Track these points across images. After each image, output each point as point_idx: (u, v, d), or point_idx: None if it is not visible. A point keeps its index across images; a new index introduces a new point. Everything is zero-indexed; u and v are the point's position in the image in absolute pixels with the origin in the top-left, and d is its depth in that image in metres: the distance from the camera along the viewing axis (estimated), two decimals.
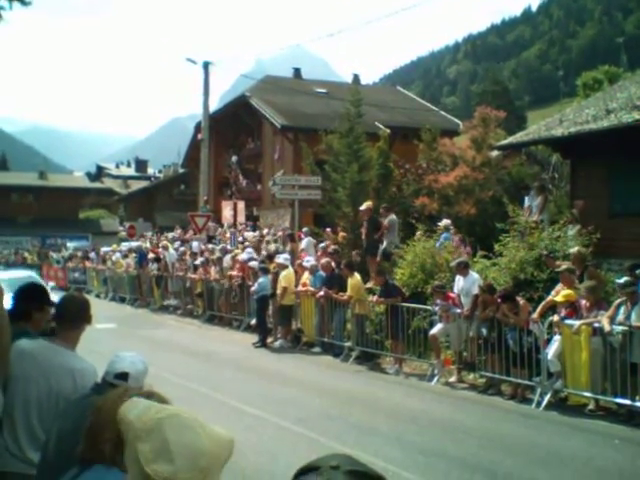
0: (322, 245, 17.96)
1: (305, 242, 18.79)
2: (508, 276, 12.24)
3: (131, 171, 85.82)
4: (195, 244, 23.15)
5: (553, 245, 12.55)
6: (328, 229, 20.69)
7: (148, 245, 27.48)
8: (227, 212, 27.56)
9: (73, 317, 3.95)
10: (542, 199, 15.18)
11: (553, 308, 10.43)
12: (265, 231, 24.88)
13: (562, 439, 8.38)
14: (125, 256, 26.20)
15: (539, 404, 9.87)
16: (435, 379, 11.66)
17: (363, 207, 16.77)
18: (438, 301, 12.06)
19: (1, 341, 3.46)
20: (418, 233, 15.39)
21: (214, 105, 42.84)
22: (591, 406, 9.59)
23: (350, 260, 15.02)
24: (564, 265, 11.01)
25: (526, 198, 15.76)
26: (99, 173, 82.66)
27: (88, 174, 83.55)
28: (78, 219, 58.97)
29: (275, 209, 30.16)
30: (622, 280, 9.95)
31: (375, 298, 13.40)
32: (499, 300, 10.81)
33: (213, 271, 19.31)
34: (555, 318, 10.06)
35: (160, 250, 23.66)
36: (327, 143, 22.12)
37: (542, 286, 11.70)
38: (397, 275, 14.20)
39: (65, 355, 3.81)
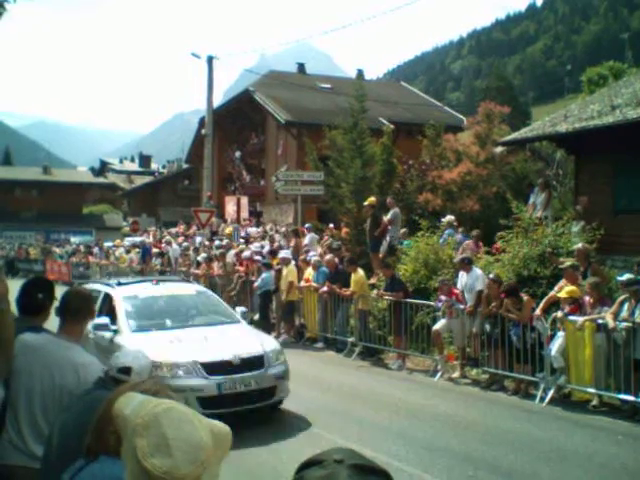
0: (323, 241, 17.99)
1: (308, 238, 18.79)
2: (511, 272, 12.22)
3: (135, 166, 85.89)
4: (199, 239, 23.18)
5: (557, 241, 12.53)
6: (331, 225, 20.69)
7: (151, 240, 27.50)
8: (230, 207, 27.56)
9: (77, 311, 3.96)
10: (546, 195, 15.16)
11: (557, 304, 10.42)
12: (268, 227, 24.89)
13: (565, 435, 8.38)
14: (128, 251, 26.23)
15: (542, 400, 9.87)
16: (438, 375, 11.66)
17: (366, 203, 16.77)
18: (442, 297, 12.05)
19: (5, 335, 3.46)
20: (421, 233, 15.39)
21: (218, 100, 42.91)
22: (594, 402, 9.59)
23: (352, 256, 15.01)
24: (568, 261, 10.99)
25: (531, 195, 15.73)
26: (103, 168, 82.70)
27: (92, 169, 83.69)
28: (82, 214, 59.16)
29: (278, 205, 30.17)
30: (624, 277, 9.93)
31: (380, 292, 13.40)
32: (503, 295, 10.80)
33: (216, 266, 19.31)
34: (559, 314, 10.05)
35: (163, 245, 23.67)
36: (331, 138, 22.10)
37: (545, 282, 11.68)
38: (400, 271, 14.20)
39: (69, 349, 3.81)
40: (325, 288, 14.49)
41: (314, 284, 15.01)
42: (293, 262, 15.96)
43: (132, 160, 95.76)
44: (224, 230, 25.14)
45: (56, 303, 4.05)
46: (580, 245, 11.55)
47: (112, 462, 2.20)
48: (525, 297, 10.79)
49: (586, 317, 9.69)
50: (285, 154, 30.89)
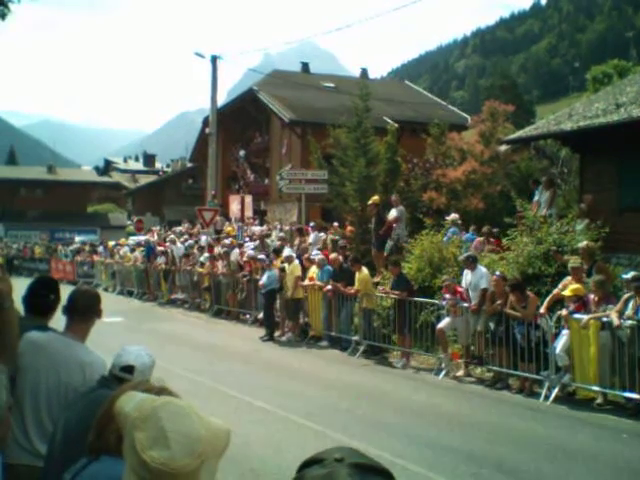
0: (325, 237, 18.01)
1: (313, 236, 18.79)
2: (516, 270, 12.21)
3: (139, 165, 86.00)
4: (203, 238, 23.20)
5: (561, 239, 12.51)
6: (335, 223, 20.70)
7: (156, 239, 27.53)
8: (235, 206, 27.59)
9: (84, 310, 3.97)
10: (551, 193, 15.13)
11: (561, 302, 10.41)
12: (272, 225, 24.89)
13: (570, 433, 8.37)
14: (133, 250, 26.26)
15: (547, 398, 9.86)
16: (442, 373, 11.65)
17: (370, 202, 16.76)
18: (446, 295, 12.05)
19: (10, 334, 3.47)
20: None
21: (222, 99, 42.96)
22: (599, 400, 9.57)
23: (356, 256, 15.00)
24: (573, 260, 10.98)
25: (535, 192, 15.71)
26: (107, 167, 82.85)
27: (96, 168, 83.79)
28: (86, 213, 59.26)
29: (282, 203, 30.17)
30: (629, 275, 9.91)
31: (385, 289, 13.39)
32: (509, 290, 10.79)
33: (220, 265, 19.33)
34: (563, 312, 10.04)
35: (167, 244, 23.70)
36: (335, 137, 22.11)
37: (550, 280, 11.67)
38: (405, 269, 14.19)
39: (75, 347, 3.82)
40: (329, 287, 14.49)
41: (318, 282, 15.01)
42: (297, 260, 15.96)
43: (136, 159, 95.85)
44: (227, 227, 25.17)
45: (63, 302, 4.06)
46: (585, 243, 11.53)
47: (113, 462, 2.20)
48: (530, 295, 10.78)
49: (591, 315, 9.68)
50: (289, 153, 30.90)
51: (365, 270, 14.02)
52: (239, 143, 38.34)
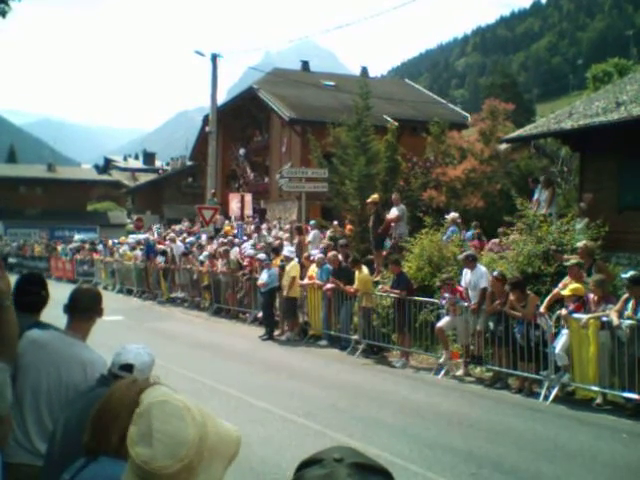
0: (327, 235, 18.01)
1: (312, 235, 18.79)
2: (516, 269, 12.20)
3: (139, 164, 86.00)
4: (204, 237, 23.20)
5: (561, 239, 12.51)
6: (335, 222, 20.70)
7: (156, 237, 27.52)
8: (234, 205, 27.59)
9: (85, 309, 3.97)
10: (550, 193, 15.12)
11: (561, 302, 10.40)
12: (271, 224, 24.88)
13: (569, 433, 8.36)
14: (133, 248, 26.25)
15: (546, 398, 9.85)
16: (442, 372, 11.65)
17: (369, 200, 16.75)
18: (445, 294, 12.04)
19: (9, 333, 3.46)
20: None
21: (222, 98, 42.91)
22: (598, 400, 9.57)
23: (356, 256, 14.98)
24: (573, 260, 10.97)
25: (535, 191, 15.70)
26: (107, 165, 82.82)
27: (96, 166, 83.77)
28: (86, 211, 59.23)
29: (282, 202, 30.18)
30: (628, 274, 9.90)
31: (384, 287, 13.37)
32: (509, 288, 10.78)
33: (220, 264, 19.32)
34: (563, 312, 10.03)
35: (167, 242, 23.69)
36: (335, 136, 22.12)
37: (550, 280, 11.67)
38: (404, 268, 14.18)
39: (76, 346, 3.82)
40: (329, 285, 14.47)
41: (318, 281, 15.00)
42: (296, 259, 15.95)
43: (136, 158, 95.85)
44: (224, 227, 25.16)
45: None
46: (583, 242, 11.52)
47: (112, 463, 2.19)
48: (530, 294, 10.77)
49: (590, 315, 9.67)
50: (289, 151, 30.90)
51: (365, 270, 14.01)
52: (239, 141, 38.35)
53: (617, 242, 13.01)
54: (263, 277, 15.87)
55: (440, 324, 11.82)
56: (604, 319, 9.53)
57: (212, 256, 19.84)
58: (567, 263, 10.96)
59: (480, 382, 11.25)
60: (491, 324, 11.07)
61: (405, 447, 7.70)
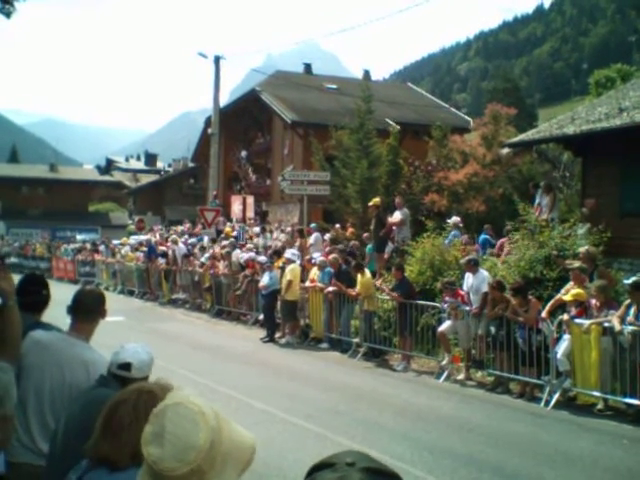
0: (327, 236, 18.04)
1: (313, 238, 18.79)
2: (517, 274, 12.20)
3: (141, 165, 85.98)
4: (206, 238, 23.22)
5: (563, 244, 12.50)
6: (337, 225, 20.70)
7: (157, 238, 27.53)
8: (236, 207, 27.63)
9: (88, 310, 3.98)
10: (550, 198, 15.12)
11: (563, 307, 10.40)
12: (273, 226, 24.88)
13: (570, 438, 8.36)
14: (135, 249, 26.26)
15: (548, 403, 9.85)
16: (443, 376, 11.64)
17: (370, 203, 16.76)
18: (447, 298, 12.04)
19: (12, 333, 3.47)
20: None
21: (224, 100, 42.95)
22: (600, 406, 9.56)
23: (359, 261, 14.98)
24: (576, 263, 10.97)
25: (536, 195, 15.70)
26: (109, 166, 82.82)
27: (98, 167, 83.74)
28: (88, 212, 59.28)
29: (284, 204, 30.18)
30: (630, 280, 9.90)
31: (383, 287, 13.36)
32: (511, 293, 10.79)
33: (221, 266, 19.33)
34: (565, 317, 10.03)
35: (169, 244, 23.69)
36: (337, 139, 22.13)
37: (552, 285, 11.67)
38: (406, 272, 14.18)
39: (79, 347, 3.83)
40: (331, 288, 14.47)
41: (319, 284, 15.00)
42: (298, 262, 15.96)
43: (138, 158, 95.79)
44: (227, 228, 25.17)
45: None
46: (585, 248, 11.52)
47: (121, 472, 2.19)
48: (532, 299, 10.77)
49: (592, 320, 9.67)
50: (291, 154, 30.90)
51: (368, 273, 14.01)
52: (241, 143, 38.36)
53: (619, 248, 13.01)
54: (264, 279, 15.88)
55: (442, 328, 11.82)
56: (606, 325, 9.53)
57: (213, 258, 19.85)
58: (569, 267, 10.97)
59: (481, 386, 11.24)
60: (493, 328, 11.07)
61: (406, 451, 7.69)
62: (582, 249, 11.53)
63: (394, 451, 7.53)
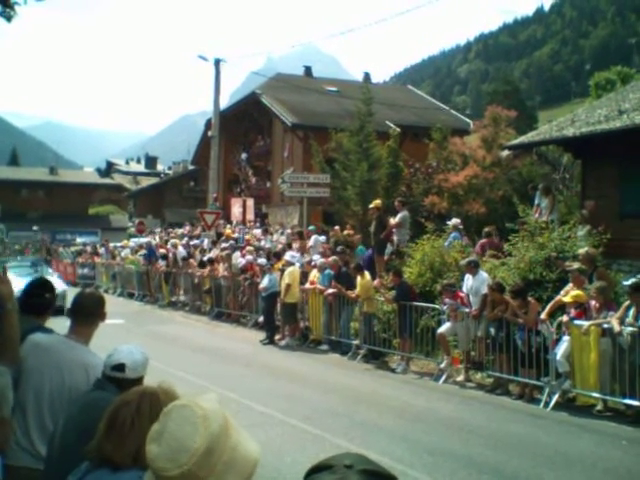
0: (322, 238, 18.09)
1: (313, 240, 18.80)
2: (517, 276, 12.20)
3: (141, 167, 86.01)
4: (206, 241, 23.23)
5: (563, 245, 12.50)
6: (337, 227, 20.70)
7: (157, 241, 27.55)
8: (236, 209, 27.63)
9: (88, 313, 3.98)
10: (549, 201, 15.12)
11: (562, 308, 10.40)
12: (273, 228, 24.88)
13: (570, 439, 8.35)
14: (135, 252, 26.28)
15: (547, 404, 9.84)
16: (442, 378, 11.64)
17: (371, 205, 16.76)
18: (447, 300, 12.03)
19: (10, 336, 3.48)
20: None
21: (225, 102, 42.96)
22: (599, 407, 9.56)
23: (359, 263, 14.97)
24: (575, 265, 10.98)
25: (535, 197, 15.71)
26: (109, 169, 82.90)
27: (98, 170, 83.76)
28: (88, 214, 59.33)
29: (284, 206, 30.19)
30: (629, 282, 9.89)
31: (389, 297, 13.34)
32: (511, 295, 10.79)
33: (221, 268, 19.34)
34: (564, 318, 10.03)
35: (169, 247, 23.69)
36: (337, 141, 22.14)
37: (551, 286, 11.66)
38: (406, 274, 14.18)
39: (79, 350, 3.83)
40: (331, 290, 14.47)
41: (319, 286, 15.00)
42: (297, 264, 15.95)
43: (138, 161, 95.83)
44: (227, 230, 25.18)
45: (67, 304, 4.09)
46: (585, 249, 11.52)
47: (123, 472, 2.19)
48: (532, 301, 10.77)
49: (591, 322, 9.67)
50: (291, 156, 30.92)
51: (368, 275, 14.01)
52: (241, 146, 38.39)
53: (618, 249, 13.01)
54: (264, 282, 15.88)
55: (441, 330, 11.82)
56: (605, 326, 9.53)
57: (214, 260, 19.85)
58: (569, 269, 10.97)
59: (481, 388, 11.23)
60: (492, 330, 11.07)
61: (405, 452, 7.69)
62: (581, 251, 11.53)
63: (393, 453, 7.53)
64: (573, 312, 9.99)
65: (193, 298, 21.15)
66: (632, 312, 9.40)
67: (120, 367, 3.13)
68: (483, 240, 15.46)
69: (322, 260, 15.62)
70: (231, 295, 18.68)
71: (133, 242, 29.17)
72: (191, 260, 21.60)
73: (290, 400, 10.10)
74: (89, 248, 33.21)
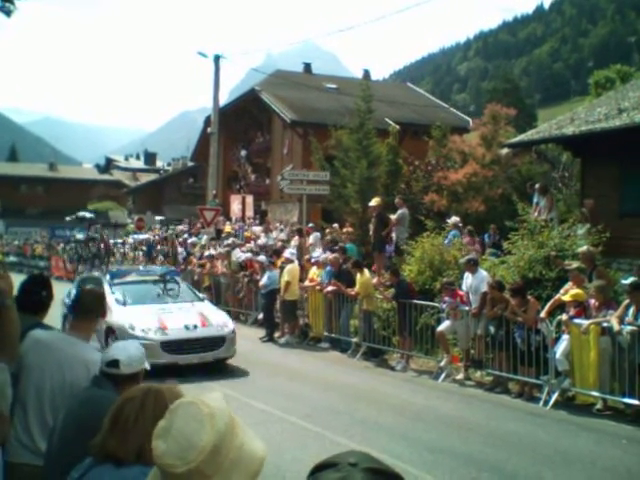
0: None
1: (312, 237, 18.79)
2: (517, 274, 12.20)
3: (140, 164, 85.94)
4: (205, 238, 23.22)
5: (562, 244, 12.50)
6: (335, 224, 20.70)
7: (156, 238, 27.54)
8: (235, 206, 27.60)
9: (88, 309, 3.99)
10: (548, 200, 15.12)
11: (562, 307, 10.41)
12: (272, 226, 24.88)
13: (569, 438, 8.37)
14: (135, 248, 26.27)
15: (546, 403, 9.86)
16: (442, 376, 11.65)
17: (372, 203, 16.75)
18: (446, 298, 12.04)
19: (10, 332, 3.47)
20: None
21: (224, 99, 42.90)
22: (599, 406, 9.57)
23: (357, 259, 14.97)
24: (575, 264, 10.98)
25: (533, 196, 15.71)
26: (108, 165, 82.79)
27: (97, 166, 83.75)
28: (87, 211, 59.22)
29: (283, 203, 30.17)
30: (629, 280, 9.90)
31: (388, 295, 13.35)
32: (510, 294, 10.79)
33: (220, 265, 19.32)
34: (564, 317, 10.04)
35: (178, 245, 23.57)
36: (337, 138, 22.12)
37: (551, 285, 11.66)
38: (405, 272, 14.18)
39: (79, 346, 3.83)
40: (330, 287, 14.47)
41: (319, 282, 15.00)
42: (297, 262, 15.95)
43: (137, 158, 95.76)
44: (224, 228, 25.16)
45: (67, 301, 4.09)
46: (585, 248, 11.52)
47: (126, 468, 2.20)
48: (531, 299, 10.78)
49: (591, 320, 9.68)
50: (291, 153, 30.89)
51: (367, 273, 14.01)
52: (240, 143, 38.35)
53: (618, 248, 13.01)
54: (263, 279, 15.87)
55: (441, 328, 11.83)
56: (605, 325, 9.54)
57: (213, 257, 19.84)
58: (568, 267, 10.97)
59: (480, 386, 11.24)
60: (492, 328, 11.08)
61: (405, 450, 7.71)
62: (581, 249, 11.53)
63: (393, 451, 7.54)
64: (573, 311, 9.99)
65: None
66: (632, 311, 9.40)
67: (114, 363, 3.14)
68: (467, 238, 15.56)
69: (325, 256, 15.61)
70: (230, 292, 18.67)
71: (132, 238, 29.16)
72: (191, 257, 21.59)
73: (290, 398, 10.11)
74: None
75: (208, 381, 10.86)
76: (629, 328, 9.22)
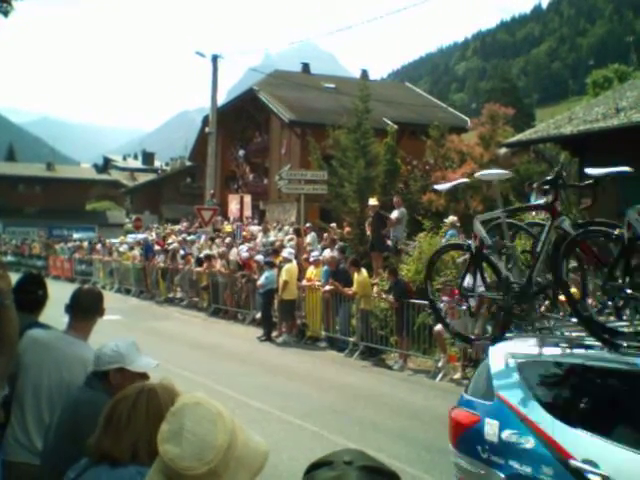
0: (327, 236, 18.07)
1: (310, 237, 18.79)
2: None
3: (138, 163, 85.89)
4: (203, 237, 23.21)
5: None
6: (333, 224, 20.70)
7: (154, 237, 27.51)
8: (233, 206, 27.61)
9: (86, 309, 3.99)
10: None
11: None
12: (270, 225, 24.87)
13: None
14: (132, 248, 26.24)
15: None
16: (439, 375, 11.65)
17: (371, 203, 16.75)
18: (444, 298, 12.03)
19: (9, 331, 3.47)
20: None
21: (222, 99, 42.92)
22: None
23: (355, 258, 14.97)
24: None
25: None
26: (106, 165, 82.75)
27: (95, 166, 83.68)
28: (85, 210, 59.23)
29: (281, 203, 30.18)
30: None
31: (388, 296, 13.33)
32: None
33: (219, 264, 19.32)
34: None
35: (172, 243, 23.54)
36: (334, 138, 22.11)
37: None
38: (402, 271, 14.18)
39: (77, 345, 3.84)
40: (328, 287, 14.47)
41: (318, 282, 15.00)
42: (295, 261, 15.95)
43: (135, 157, 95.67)
44: (224, 228, 25.15)
45: (66, 300, 4.08)
46: None
47: (123, 469, 2.19)
48: None
49: None
50: (289, 153, 30.90)
51: (364, 272, 14.01)
52: (238, 143, 38.35)
53: None
54: (261, 278, 15.87)
55: (438, 327, 11.82)
56: None
57: (211, 256, 19.84)
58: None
59: None
60: (489, 328, 11.07)
61: (402, 449, 7.71)
62: None
63: (390, 450, 7.54)
64: None
65: (190, 294, 21.14)
66: None
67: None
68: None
69: (324, 254, 15.61)
70: (228, 292, 18.67)
71: (130, 238, 29.14)
72: (189, 256, 21.58)
73: (287, 397, 10.11)
74: (85, 244, 33.14)
75: (205, 380, 10.84)
76: None
